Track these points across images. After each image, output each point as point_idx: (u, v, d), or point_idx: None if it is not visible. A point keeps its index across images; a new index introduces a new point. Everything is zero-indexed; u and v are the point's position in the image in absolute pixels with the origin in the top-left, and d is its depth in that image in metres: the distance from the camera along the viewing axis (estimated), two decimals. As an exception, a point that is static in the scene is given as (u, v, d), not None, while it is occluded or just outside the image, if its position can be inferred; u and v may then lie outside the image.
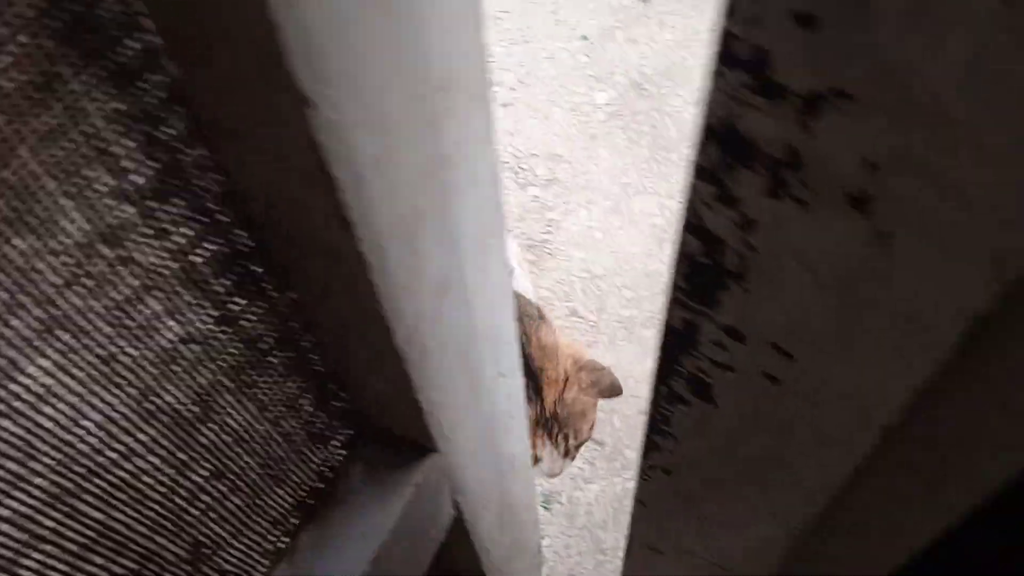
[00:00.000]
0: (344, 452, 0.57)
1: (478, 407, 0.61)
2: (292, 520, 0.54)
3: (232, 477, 0.46)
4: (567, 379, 1.35)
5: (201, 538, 0.47)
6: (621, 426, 1.73)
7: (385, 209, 0.39)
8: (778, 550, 0.61)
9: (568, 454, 1.37)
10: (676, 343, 0.44)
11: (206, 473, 0.45)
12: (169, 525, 0.44)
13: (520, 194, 2.17)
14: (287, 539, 0.54)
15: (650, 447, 0.58)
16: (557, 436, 1.35)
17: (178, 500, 0.44)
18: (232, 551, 0.49)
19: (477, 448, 0.63)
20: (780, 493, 0.54)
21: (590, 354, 1.41)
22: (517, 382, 0.68)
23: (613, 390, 1.32)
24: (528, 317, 1.39)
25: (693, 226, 0.37)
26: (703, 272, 0.38)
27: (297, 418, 0.51)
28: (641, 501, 0.71)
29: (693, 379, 0.46)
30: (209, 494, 0.46)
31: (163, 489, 0.43)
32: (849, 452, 0.46)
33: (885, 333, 0.35)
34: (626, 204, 2.12)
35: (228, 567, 0.50)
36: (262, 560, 0.53)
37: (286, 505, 0.53)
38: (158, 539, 0.43)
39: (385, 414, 0.57)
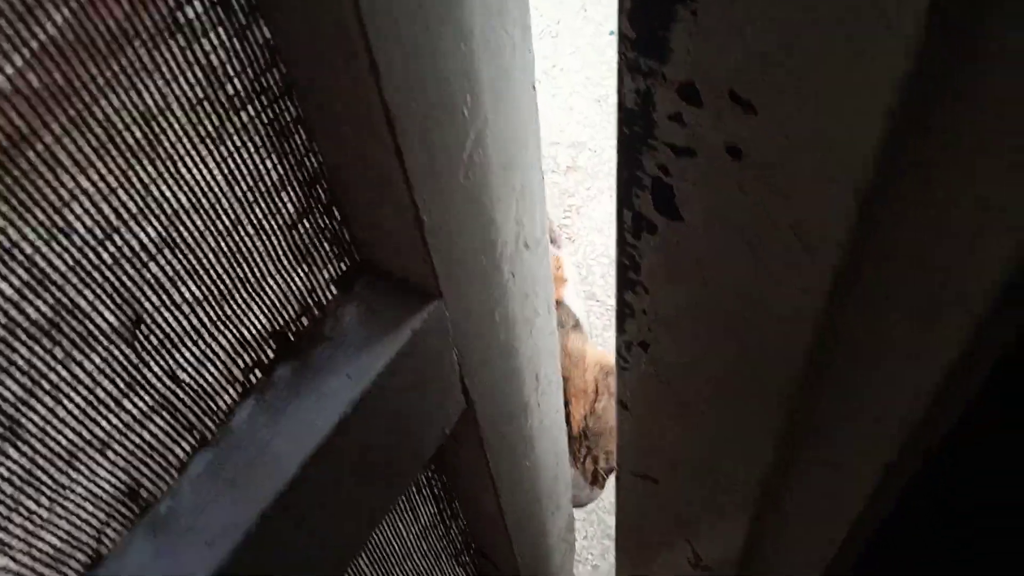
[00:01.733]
0: (336, 291, 0.50)
1: (491, 259, 0.54)
2: (267, 351, 0.47)
3: (182, 248, 0.39)
4: (597, 389, 1.20)
5: (154, 339, 0.40)
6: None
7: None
8: (763, 453, 0.56)
9: (597, 481, 1.20)
10: (633, 137, 0.41)
11: (154, 237, 0.38)
12: (114, 296, 0.37)
13: (541, 180, 2.12)
14: (260, 373, 0.47)
15: (623, 313, 0.54)
16: (586, 459, 1.18)
17: (121, 274, 0.37)
18: (193, 364, 0.42)
19: (488, 303, 0.56)
20: (759, 362, 0.49)
21: (606, 338, 1.30)
22: (543, 252, 0.61)
23: None
24: (560, 325, 1.22)
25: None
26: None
27: (281, 222, 0.44)
28: (623, 404, 0.65)
29: (656, 185, 0.42)
30: (161, 267, 0.39)
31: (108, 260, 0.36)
32: (821, 276, 0.41)
33: (849, 60, 0.32)
34: (647, 193, 2.05)
35: (187, 388, 0.43)
36: (228, 388, 0.45)
37: (260, 329, 0.46)
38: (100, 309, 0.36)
39: (386, 252, 0.50)
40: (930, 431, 0.50)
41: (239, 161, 0.40)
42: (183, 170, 0.38)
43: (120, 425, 0.40)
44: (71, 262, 0.35)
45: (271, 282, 0.45)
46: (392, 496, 0.58)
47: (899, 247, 0.39)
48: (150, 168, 0.36)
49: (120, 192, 0.35)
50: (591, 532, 1.50)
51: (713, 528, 0.72)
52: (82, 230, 0.35)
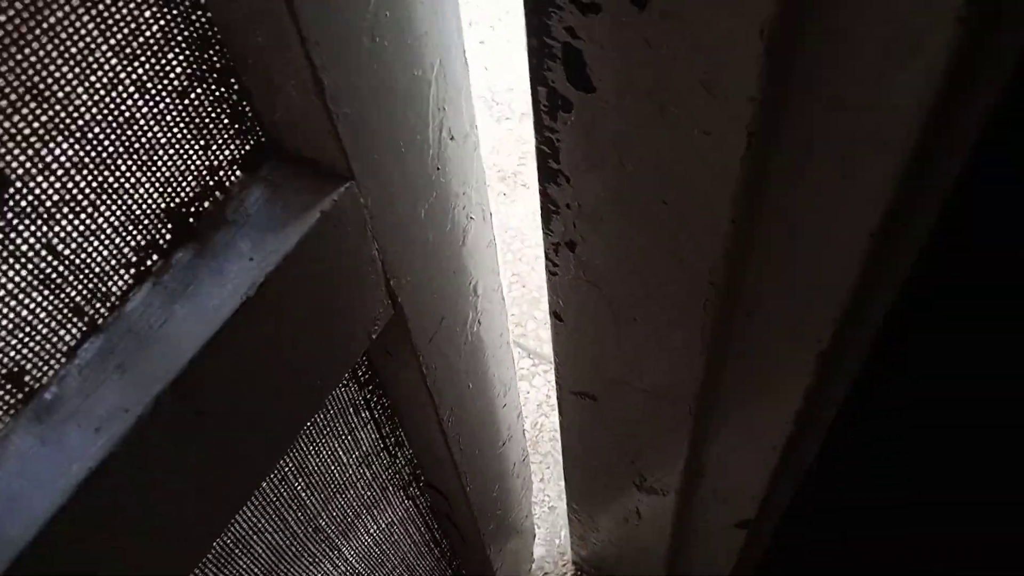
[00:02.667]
0: (241, 173, 0.47)
1: (411, 145, 0.51)
2: (164, 233, 0.44)
3: (48, 101, 0.36)
4: None
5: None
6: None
7: None
8: (697, 353, 0.55)
9: None
10: (535, 5, 0.39)
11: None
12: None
13: (495, 128, 2.09)
14: (157, 257, 0.44)
15: (548, 210, 0.53)
16: None
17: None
18: (73, 238, 0.39)
19: (410, 194, 0.53)
20: (684, 251, 0.47)
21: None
22: (471, 150, 0.58)
23: None
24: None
25: None
26: None
27: (169, 87, 0.41)
28: (557, 315, 0.63)
29: (567, 52, 0.40)
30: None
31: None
32: (736, 134, 0.40)
33: None
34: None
35: (69, 264, 0.40)
36: (121, 272, 0.43)
37: (152, 206, 0.43)
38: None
39: (292, 130, 0.47)
40: (865, 313, 0.48)
41: (110, 6, 0.36)
42: (47, 10, 0.34)
43: (-9, 297, 0.37)
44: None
45: (161, 154, 0.42)
46: (314, 401, 0.55)
47: (813, 94, 0.37)
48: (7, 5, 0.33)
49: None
50: (548, 475, 1.48)
51: (654, 445, 0.71)
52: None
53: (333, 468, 0.72)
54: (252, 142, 0.47)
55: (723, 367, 0.57)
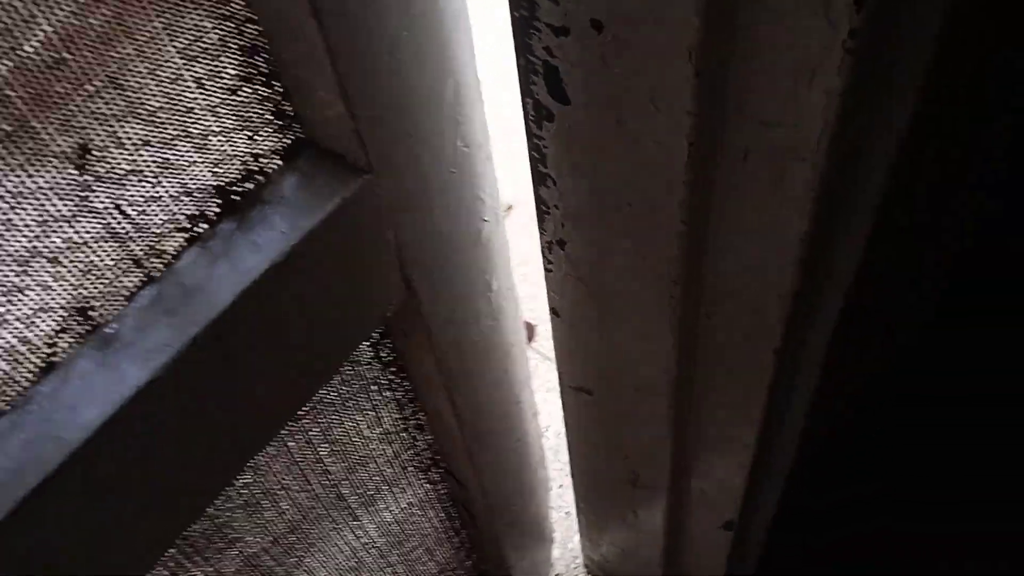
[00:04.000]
0: (281, 163, 0.56)
1: (427, 149, 0.59)
2: (212, 207, 0.53)
3: (125, 89, 0.46)
4: None
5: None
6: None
7: None
8: (670, 348, 0.60)
9: None
10: (522, 21, 0.46)
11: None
12: (63, 122, 0.44)
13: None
14: (206, 225, 0.54)
15: (541, 211, 0.60)
16: None
17: (70, 103, 0.44)
18: (138, 201, 0.49)
19: (425, 191, 0.61)
20: (649, 244, 0.54)
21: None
22: (485, 159, 0.66)
23: None
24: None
25: None
26: None
27: (222, 84, 0.50)
28: (555, 311, 0.69)
29: (547, 69, 0.47)
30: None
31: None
32: (678, 142, 0.45)
33: None
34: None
35: (134, 222, 0.49)
36: (175, 235, 0.52)
37: (203, 182, 0.52)
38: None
39: (323, 128, 0.56)
40: (816, 312, 0.54)
41: (178, 16, 0.46)
42: (126, 20, 0.44)
43: (71, 243, 0.47)
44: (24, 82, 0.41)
45: (213, 140, 0.51)
46: (333, 362, 0.63)
47: (743, 111, 0.44)
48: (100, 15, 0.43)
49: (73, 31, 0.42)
50: (567, 482, 1.53)
51: (643, 441, 0.77)
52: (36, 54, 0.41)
53: (356, 439, 0.81)
54: (291, 136, 0.56)
55: (694, 363, 0.63)
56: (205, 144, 0.51)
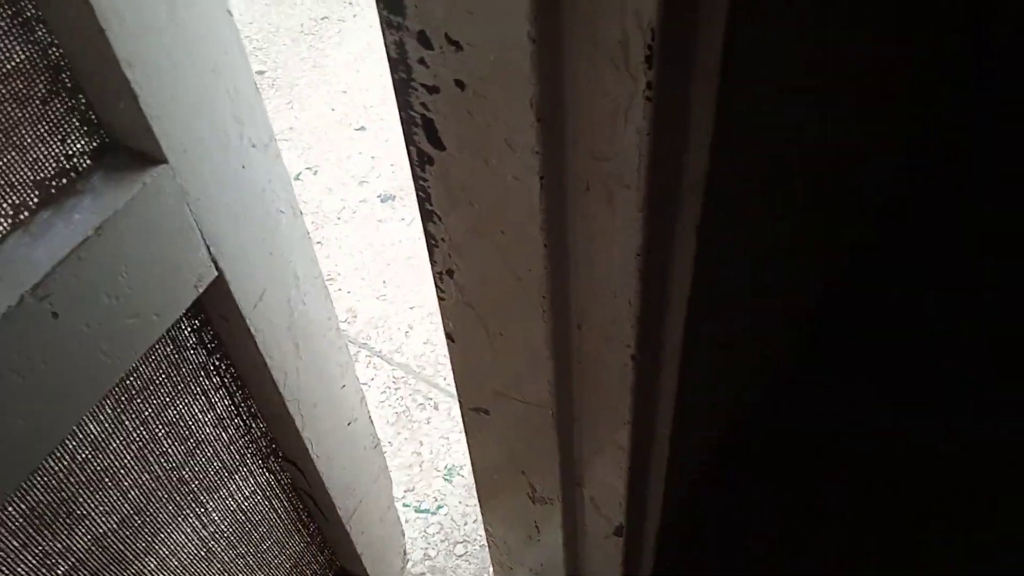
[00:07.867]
0: (91, 162, 0.69)
1: (217, 143, 0.74)
2: (33, 198, 0.66)
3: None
4: None
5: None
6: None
7: None
8: (546, 359, 0.69)
9: None
10: (400, 82, 0.54)
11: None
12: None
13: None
14: (27, 214, 0.66)
15: (431, 244, 0.67)
16: None
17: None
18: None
19: (219, 181, 0.75)
20: (520, 269, 0.62)
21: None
22: (274, 157, 0.81)
23: None
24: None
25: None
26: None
27: (35, 98, 0.63)
28: (450, 336, 0.77)
29: (424, 121, 0.56)
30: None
31: None
32: (531, 177, 0.53)
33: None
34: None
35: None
36: (4, 221, 0.64)
37: (24, 178, 0.64)
38: None
39: (125, 130, 0.69)
40: (665, 320, 0.63)
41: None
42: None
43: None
44: None
45: (32, 145, 0.64)
46: (150, 330, 0.75)
47: (580, 147, 0.52)
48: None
49: None
50: (480, 518, 1.60)
51: (535, 454, 0.84)
52: None
53: (191, 423, 0.91)
54: (98, 139, 0.69)
55: (569, 374, 0.70)
56: (24, 149, 0.64)
